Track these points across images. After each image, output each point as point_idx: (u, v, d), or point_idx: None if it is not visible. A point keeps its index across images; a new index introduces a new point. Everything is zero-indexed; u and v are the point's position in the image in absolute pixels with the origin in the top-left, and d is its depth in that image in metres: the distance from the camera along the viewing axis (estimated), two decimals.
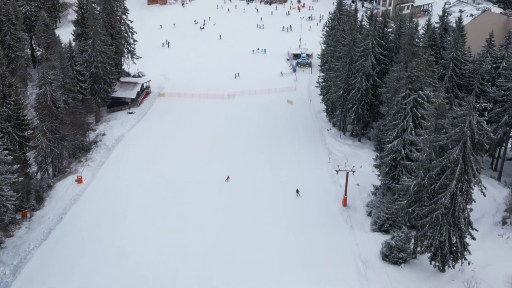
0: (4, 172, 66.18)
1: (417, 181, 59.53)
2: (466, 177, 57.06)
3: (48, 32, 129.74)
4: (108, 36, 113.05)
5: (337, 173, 79.28)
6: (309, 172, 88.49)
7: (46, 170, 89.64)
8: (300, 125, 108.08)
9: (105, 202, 79.82)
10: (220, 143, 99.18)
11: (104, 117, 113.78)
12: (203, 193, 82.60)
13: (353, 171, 76.71)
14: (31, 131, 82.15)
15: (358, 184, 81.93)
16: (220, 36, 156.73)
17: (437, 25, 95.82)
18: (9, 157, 67.01)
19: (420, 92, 65.95)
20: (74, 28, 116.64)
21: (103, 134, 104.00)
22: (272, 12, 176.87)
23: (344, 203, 77.80)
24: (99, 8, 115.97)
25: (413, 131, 66.54)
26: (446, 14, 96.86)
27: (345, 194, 77.72)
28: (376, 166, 76.95)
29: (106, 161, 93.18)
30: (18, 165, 69.16)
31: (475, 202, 59.43)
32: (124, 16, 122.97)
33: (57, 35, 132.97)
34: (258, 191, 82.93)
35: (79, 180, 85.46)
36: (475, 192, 59.12)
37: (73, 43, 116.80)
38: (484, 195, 58.24)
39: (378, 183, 78.01)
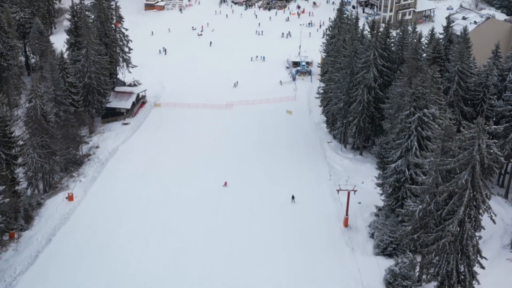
0: None
1: (422, 206, 56.44)
2: (475, 203, 53.94)
3: (42, 40, 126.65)
4: (102, 45, 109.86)
5: (338, 193, 76.06)
6: (309, 188, 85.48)
7: (36, 186, 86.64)
8: (299, 137, 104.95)
9: (96, 222, 76.76)
10: (218, 156, 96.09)
11: (98, 128, 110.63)
12: (198, 211, 79.69)
13: (355, 191, 73.57)
14: (19, 149, 78.84)
15: (359, 203, 78.81)
16: (218, 43, 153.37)
17: (441, 36, 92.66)
18: None
19: (425, 110, 62.80)
20: (67, 36, 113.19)
21: (97, 147, 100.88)
22: (270, 17, 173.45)
23: (346, 224, 74.71)
24: (93, 16, 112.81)
25: (417, 152, 63.34)
26: (450, 25, 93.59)
27: (347, 214, 74.61)
28: (378, 185, 73.81)
29: (98, 177, 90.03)
30: (4, 186, 65.74)
31: (484, 229, 56.31)
32: (119, 24, 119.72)
33: (52, 42, 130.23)
34: (256, 210, 79.93)
35: (70, 198, 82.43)
36: (484, 218, 56.02)
37: (66, 53, 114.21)
38: (494, 222, 55.14)
39: (380, 201, 74.85)
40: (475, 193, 53.46)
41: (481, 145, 51.83)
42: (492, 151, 52.92)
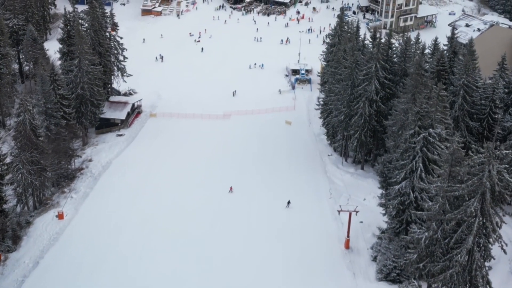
0: None
1: (429, 234, 53.32)
2: (484, 231, 50.84)
3: (35, 47, 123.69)
4: (96, 55, 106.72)
5: (339, 214, 72.75)
6: (309, 205, 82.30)
7: (26, 203, 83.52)
8: (299, 149, 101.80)
9: (86, 243, 73.54)
10: (214, 170, 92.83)
11: (92, 140, 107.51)
12: (193, 230, 76.49)
13: (357, 212, 70.39)
14: (6, 167, 75.71)
15: (361, 222, 75.70)
16: (215, 49, 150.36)
17: (445, 47, 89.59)
18: None
19: (431, 130, 59.64)
20: (60, 46, 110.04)
21: (90, 160, 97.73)
22: (269, 23, 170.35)
23: (347, 246, 71.57)
24: (86, 25, 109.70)
25: (423, 174, 60.18)
26: (454, 36, 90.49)
27: (348, 235, 71.42)
28: (381, 205, 70.65)
29: (90, 192, 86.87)
30: None
31: (494, 259, 53.21)
32: (114, 33, 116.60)
33: (46, 49, 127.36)
34: (253, 230, 76.72)
35: (60, 216, 79.27)
36: (494, 248, 52.97)
37: (59, 62, 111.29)
38: (505, 252, 52.08)
39: (383, 221, 71.64)
40: (485, 221, 50.40)
41: (492, 172, 48.75)
42: (503, 177, 49.83)
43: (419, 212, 54.92)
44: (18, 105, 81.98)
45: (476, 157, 49.52)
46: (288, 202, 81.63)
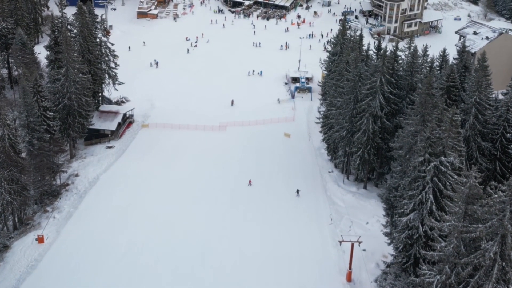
0: None
1: (441, 278, 47.75)
2: (504, 277, 45.29)
3: (25, 51, 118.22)
4: (85, 63, 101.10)
5: (340, 244, 67.05)
6: (307, 231, 76.59)
7: (5, 224, 78.03)
8: (298, 165, 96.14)
9: (67, 272, 67.87)
10: (207, 190, 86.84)
11: (80, 152, 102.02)
12: (183, 258, 70.84)
13: (359, 242, 64.67)
14: None
15: (364, 250, 70.04)
16: (212, 55, 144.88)
17: (454, 60, 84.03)
18: None
19: (443, 158, 54.02)
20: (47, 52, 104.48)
21: (76, 175, 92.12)
22: (268, 27, 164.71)
23: (349, 278, 65.92)
24: (75, 31, 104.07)
25: (433, 206, 54.58)
26: (465, 48, 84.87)
27: (350, 268, 65.76)
28: (386, 235, 65.14)
29: (74, 212, 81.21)
30: None
31: None
32: (104, 39, 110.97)
33: (38, 53, 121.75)
34: (247, 258, 70.79)
35: (40, 240, 73.65)
36: None
37: (46, 69, 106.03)
38: None
39: (388, 253, 66.18)
40: (505, 266, 44.84)
41: None
42: None
43: (430, 253, 49.27)
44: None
45: (496, 196, 43.92)
46: (298, 191, 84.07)
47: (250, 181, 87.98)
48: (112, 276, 67.05)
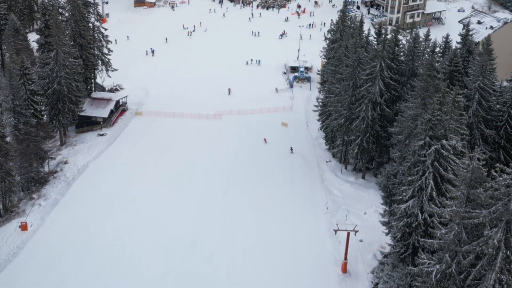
0: None
1: (441, 267, 44.61)
2: (508, 266, 42.10)
3: (18, 37, 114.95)
4: (76, 47, 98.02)
5: (335, 233, 63.93)
6: (303, 220, 73.51)
7: None
8: (295, 154, 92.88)
9: (48, 261, 64.79)
10: (200, 178, 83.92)
11: (71, 139, 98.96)
12: (171, 247, 67.70)
13: (355, 231, 61.53)
14: None
15: (361, 240, 66.88)
16: (210, 44, 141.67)
17: (458, 45, 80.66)
18: None
19: (444, 141, 50.77)
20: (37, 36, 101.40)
21: (65, 162, 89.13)
22: (268, 17, 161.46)
23: (344, 269, 62.82)
24: (66, 14, 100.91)
25: (434, 192, 51.39)
26: (469, 33, 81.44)
27: (345, 258, 62.63)
28: (383, 224, 62.01)
29: (61, 200, 78.16)
30: None
31: None
32: (97, 23, 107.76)
33: (32, 40, 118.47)
34: (239, 247, 67.88)
35: (24, 227, 70.63)
36: None
37: (36, 54, 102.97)
38: None
39: (386, 243, 63.03)
40: (509, 255, 41.68)
41: None
42: None
43: (430, 241, 46.04)
44: None
45: (501, 178, 40.70)
46: (291, 149, 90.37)
47: (265, 139, 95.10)
48: (96, 265, 64.11)
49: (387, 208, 63.23)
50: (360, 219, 72.95)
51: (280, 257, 65.83)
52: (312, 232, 70.50)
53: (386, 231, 61.86)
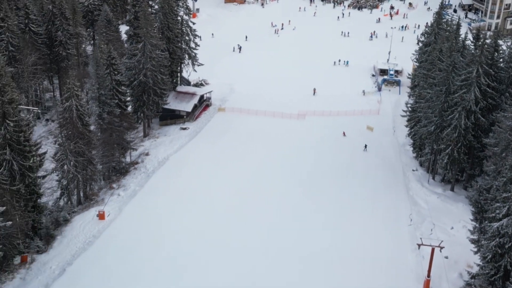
0: None
1: None
2: None
3: (110, 28, 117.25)
4: (164, 40, 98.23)
5: (419, 248, 60.04)
6: (384, 231, 69.62)
7: (69, 198, 75.89)
8: (379, 160, 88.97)
9: (122, 251, 64.53)
10: (279, 180, 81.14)
11: (154, 131, 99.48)
12: (243, 249, 65.54)
13: (441, 248, 57.39)
14: (38, 158, 67.75)
15: (446, 257, 62.55)
16: (298, 42, 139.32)
17: None
18: None
19: None
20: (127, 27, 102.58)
21: (147, 154, 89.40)
22: (358, 17, 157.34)
23: (427, 287, 58.74)
24: (156, 7, 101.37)
25: None
26: None
27: (428, 275, 58.60)
28: (472, 242, 57.57)
29: (139, 191, 78.04)
30: (4, 208, 54.32)
31: None
32: (186, 17, 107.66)
33: (120, 31, 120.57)
34: (314, 254, 64.82)
35: (101, 216, 70.83)
36: None
37: (126, 45, 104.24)
38: None
39: (474, 262, 58.49)
40: None
41: None
42: None
43: None
44: (65, 89, 74.00)
45: None
46: (365, 146, 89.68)
47: (344, 133, 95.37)
48: (167, 261, 62.95)
49: (477, 225, 58.85)
50: (446, 234, 68.44)
51: (358, 270, 62.36)
52: (393, 244, 66.61)
53: (475, 249, 57.51)
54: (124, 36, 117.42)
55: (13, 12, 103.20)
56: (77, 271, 60.88)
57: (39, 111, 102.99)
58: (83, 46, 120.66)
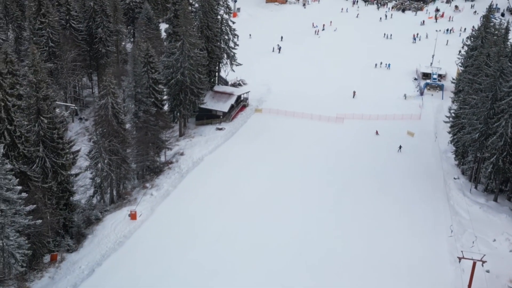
0: (12, 214, 51.00)
1: None
2: None
3: (150, 26, 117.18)
4: (203, 39, 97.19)
5: (459, 261, 57.35)
6: (422, 241, 66.86)
7: (102, 197, 75.41)
8: (419, 167, 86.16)
9: (152, 253, 63.13)
10: (313, 185, 78.97)
11: (190, 131, 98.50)
12: (275, 256, 63.29)
13: (483, 262, 54.56)
14: (71, 156, 67.24)
15: (488, 271, 59.65)
16: (338, 44, 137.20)
17: None
18: (23, 195, 51.70)
19: None
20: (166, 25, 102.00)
21: (181, 154, 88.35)
22: (402, 19, 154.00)
23: None
24: (196, 5, 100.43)
25: None
26: None
27: None
28: None
29: (172, 192, 76.91)
30: (34, 206, 53.73)
31: None
32: (226, 16, 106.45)
33: (161, 29, 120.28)
34: (347, 264, 62.36)
35: (133, 216, 69.87)
36: None
37: (165, 43, 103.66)
38: None
39: None
40: None
41: None
42: None
43: None
44: (101, 86, 73.47)
45: None
46: (400, 147, 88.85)
47: (377, 131, 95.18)
48: (198, 263, 61.34)
49: None
50: (489, 246, 65.46)
51: (392, 278, 59.97)
52: (432, 255, 63.81)
53: None
54: (164, 34, 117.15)
55: (55, 8, 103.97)
56: (106, 272, 59.62)
57: (76, 108, 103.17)
58: (123, 43, 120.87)
